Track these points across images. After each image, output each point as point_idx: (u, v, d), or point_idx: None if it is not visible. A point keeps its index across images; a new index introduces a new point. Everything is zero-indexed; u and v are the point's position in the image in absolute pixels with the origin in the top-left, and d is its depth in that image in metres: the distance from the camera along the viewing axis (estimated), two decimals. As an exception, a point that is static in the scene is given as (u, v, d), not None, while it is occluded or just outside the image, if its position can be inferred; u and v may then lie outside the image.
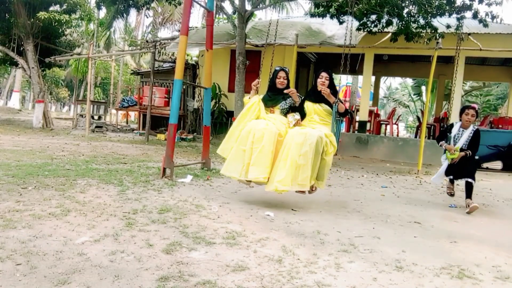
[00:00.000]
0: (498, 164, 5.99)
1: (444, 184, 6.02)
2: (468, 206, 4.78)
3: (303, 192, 4.42)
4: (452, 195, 5.34)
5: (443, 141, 5.18)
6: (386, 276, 2.64)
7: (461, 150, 5.01)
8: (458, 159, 4.98)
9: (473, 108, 5.08)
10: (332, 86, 4.61)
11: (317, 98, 4.59)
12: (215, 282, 2.34)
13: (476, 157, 5.09)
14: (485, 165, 5.84)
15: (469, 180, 4.87)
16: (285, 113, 4.73)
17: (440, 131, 5.66)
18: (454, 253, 3.25)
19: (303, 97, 4.81)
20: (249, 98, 4.85)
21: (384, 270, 2.74)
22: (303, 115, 4.68)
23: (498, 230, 4.18)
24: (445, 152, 5.18)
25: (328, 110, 4.58)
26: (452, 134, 5.13)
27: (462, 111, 5.17)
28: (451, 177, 5.18)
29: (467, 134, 5.03)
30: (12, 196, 3.84)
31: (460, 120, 5.17)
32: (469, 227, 4.19)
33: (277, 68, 4.83)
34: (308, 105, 4.64)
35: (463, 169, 4.95)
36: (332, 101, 4.52)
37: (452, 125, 5.24)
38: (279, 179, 4.14)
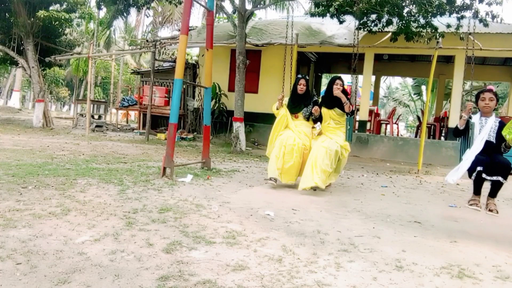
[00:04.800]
0: None
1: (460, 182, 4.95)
2: (488, 205, 4.17)
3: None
4: (479, 207, 4.23)
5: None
6: (386, 276, 2.64)
7: (488, 142, 4.13)
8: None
9: (490, 90, 4.18)
10: (344, 91, 5.42)
11: (332, 103, 5.46)
12: (215, 281, 2.34)
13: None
14: None
15: (500, 179, 4.02)
16: (308, 117, 5.67)
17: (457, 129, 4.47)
18: (454, 252, 3.25)
19: (319, 101, 5.68)
20: (277, 108, 5.77)
21: (384, 270, 2.74)
22: (321, 119, 5.58)
23: (498, 230, 4.18)
24: (465, 148, 4.37)
25: (341, 113, 5.48)
26: (475, 123, 4.25)
27: (477, 97, 4.29)
28: (480, 168, 4.04)
29: (491, 122, 4.14)
30: (12, 196, 3.84)
31: (478, 108, 4.29)
32: (469, 227, 4.19)
33: (299, 76, 5.74)
34: (324, 111, 5.52)
35: (495, 163, 4.01)
36: (344, 100, 5.32)
37: (470, 119, 4.36)
38: (315, 179, 5.08)
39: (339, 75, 5.65)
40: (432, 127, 13.00)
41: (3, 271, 2.28)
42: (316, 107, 5.50)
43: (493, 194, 4.21)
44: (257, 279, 2.43)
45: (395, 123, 14.21)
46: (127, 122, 19.15)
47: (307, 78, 5.76)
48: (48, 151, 7.33)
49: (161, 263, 2.55)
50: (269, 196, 4.85)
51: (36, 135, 10.66)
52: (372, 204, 4.92)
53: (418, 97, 29.79)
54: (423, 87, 27.18)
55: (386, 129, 14.81)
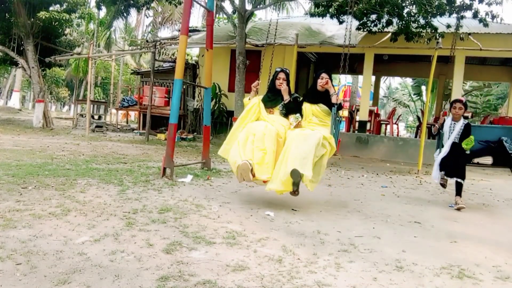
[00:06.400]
0: (488, 159, 6.00)
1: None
2: (457, 203, 4.98)
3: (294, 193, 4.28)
4: (444, 186, 5.28)
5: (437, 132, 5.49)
6: (386, 276, 2.64)
7: (454, 143, 5.18)
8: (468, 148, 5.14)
9: (460, 101, 5.31)
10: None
11: (315, 98, 4.61)
12: (215, 281, 2.35)
13: (467, 152, 5.22)
14: (476, 160, 5.87)
15: (459, 180, 5.04)
16: (285, 113, 4.71)
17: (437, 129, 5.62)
18: (454, 253, 3.25)
19: (301, 98, 4.80)
20: (249, 99, 4.85)
21: (384, 270, 2.74)
22: (300, 114, 4.72)
23: (498, 230, 4.19)
24: (438, 148, 5.43)
25: (326, 111, 4.55)
26: (446, 128, 5.32)
27: (450, 105, 5.42)
28: (443, 172, 5.21)
29: (458, 126, 5.20)
30: (12, 196, 3.84)
31: (450, 114, 5.42)
32: (469, 227, 4.20)
33: (278, 69, 4.80)
34: (306, 107, 4.63)
35: (454, 167, 5.09)
36: (331, 91, 4.53)
37: (444, 121, 5.45)
38: (283, 180, 4.08)
39: (323, 69, 4.76)
40: (432, 127, 12.99)
41: (3, 271, 2.28)
42: (284, 87, 4.61)
43: (458, 192, 5.06)
44: (257, 279, 2.43)
45: (395, 123, 14.20)
46: (127, 123, 19.15)
47: (288, 72, 4.83)
48: (48, 152, 7.33)
49: (161, 264, 2.55)
50: (269, 196, 4.85)
51: (36, 136, 10.66)
52: (372, 205, 4.92)
53: (418, 97, 29.75)
54: (423, 87, 27.15)
55: (386, 129, 14.80)
